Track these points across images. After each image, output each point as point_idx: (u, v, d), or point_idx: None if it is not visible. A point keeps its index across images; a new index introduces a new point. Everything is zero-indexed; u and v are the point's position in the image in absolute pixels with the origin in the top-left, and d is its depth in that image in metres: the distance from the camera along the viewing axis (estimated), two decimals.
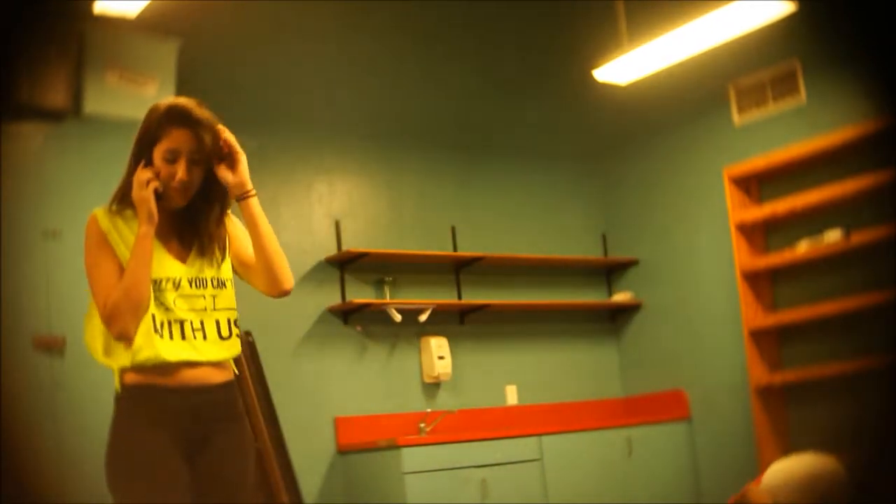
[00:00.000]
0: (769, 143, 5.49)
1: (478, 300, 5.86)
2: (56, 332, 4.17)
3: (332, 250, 5.45)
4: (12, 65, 4.15)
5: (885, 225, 4.88)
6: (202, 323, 2.42)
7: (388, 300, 5.47)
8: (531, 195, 6.35)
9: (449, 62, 6.16)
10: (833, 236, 5.15)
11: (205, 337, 2.41)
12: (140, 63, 4.54)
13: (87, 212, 4.32)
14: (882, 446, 4.67)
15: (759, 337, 5.48)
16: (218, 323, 2.46)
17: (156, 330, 2.34)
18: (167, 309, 2.37)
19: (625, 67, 5.09)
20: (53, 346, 4.15)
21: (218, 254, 2.49)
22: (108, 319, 2.28)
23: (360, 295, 5.47)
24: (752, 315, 5.49)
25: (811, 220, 5.32)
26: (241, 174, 2.49)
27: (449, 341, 5.71)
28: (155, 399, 2.35)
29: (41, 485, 3.98)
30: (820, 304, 5.20)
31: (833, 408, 5.23)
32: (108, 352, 2.38)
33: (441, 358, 5.62)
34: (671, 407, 6.01)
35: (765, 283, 5.57)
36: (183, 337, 2.38)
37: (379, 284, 5.54)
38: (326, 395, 5.30)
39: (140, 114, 4.27)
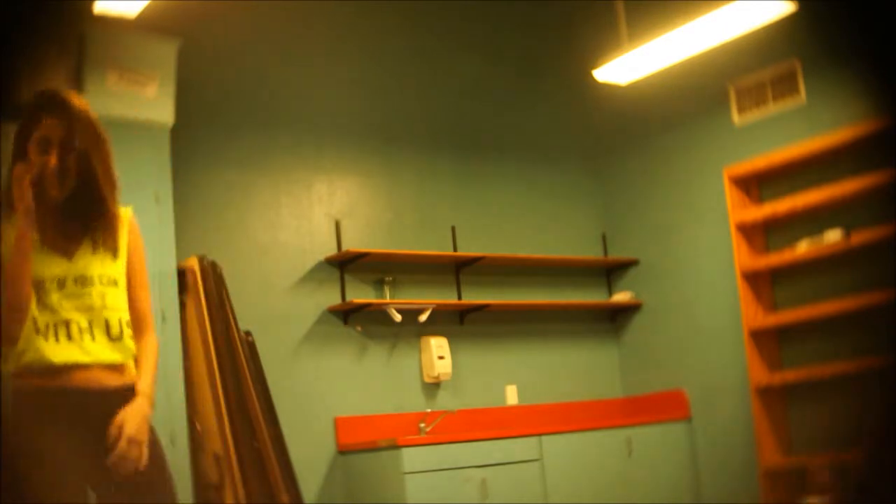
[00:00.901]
0: (769, 143, 5.49)
1: (478, 300, 5.86)
2: None
3: (332, 250, 5.45)
4: (12, 65, 4.15)
5: (885, 225, 4.88)
6: (90, 323, 2.32)
7: (388, 300, 5.47)
8: (531, 195, 6.35)
9: (449, 62, 6.16)
10: (833, 236, 5.15)
11: (93, 337, 2.31)
12: (140, 63, 4.54)
13: None
14: (882, 446, 4.67)
15: (759, 337, 5.48)
16: (107, 322, 2.35)
17: (38, 332, 2.24)
18: (52, 310, 2.27)
19: (625, 67, 5.09)
20: None
21: (104, 249, 2.38)
22: None
23: (360, 295, 5.47)
24: (752, 315, 5.49)
25: (811, 220, 5.32)
26: None
27: (449, 341, 5.71)
28: (45, 403, 2.24)
29: None
30: (820, 304, 5.20)
31: (833, 408, 5.23)
32: None
33: (441, 358, 5.62)
34: (671, 407, 6.01)
35: (765, 283, 5.57)
36: (69, 338, 2.28)
37: (379, 284, 5.54)
38: (326, 395, 5.30)
39: (140, 114, 4.27)
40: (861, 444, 4.90)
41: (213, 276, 4.71)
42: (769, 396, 5.44)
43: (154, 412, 4.47)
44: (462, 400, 5.76)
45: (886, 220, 4.88)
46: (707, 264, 5.90)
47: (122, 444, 2.26)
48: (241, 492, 4.42)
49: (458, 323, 5.88)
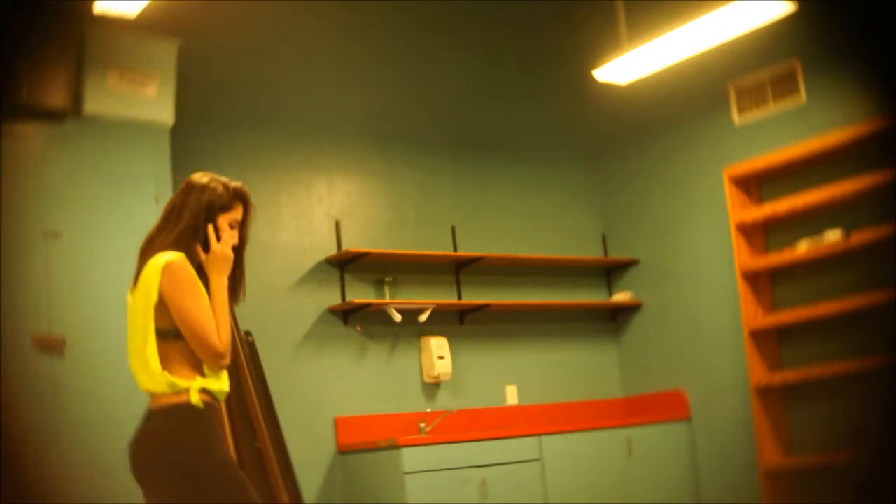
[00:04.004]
0: (769, 143, 5.49)
1: (478, 300, 5.86)
2: (56, 332, 4.16)
3: (332, 250, 5.45)
4: (12, 65, 4.15)
5: (885, 225, 4.88)
6: None
7: (388, 300, 5.47)
8: (531, 195, 6.35)
9: (449, 62, 6.16)
10: (833, 236, 5.15)
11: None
12: (140, 63, 4.54)
13: (87, 212, 4.36)
14: (882, 446, 4.68)
15: (759, 337, 5.48)
16: None
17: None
18: None
19: (625, 67, 5.09)
20: (53, 346, 4.15)
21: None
22: (225, 353, 2.74)
23: (360, 295, 5.47)
24: (752, 315, 5.49)
25: (811, 220, 5.32)
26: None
27: (449, 341, 5.71)
28: (214, 417, 2.77)
29: (41, 485, 3.98)
30: (820, 304, 5.20)
31: (833, 408, 5.23)
32: (170, 371, 2.73)
33: (441, 358, 5.62)
34: (671, 407, 6.01)
35: (765, 283, 5.57)
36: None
37: (379, 284, 5.54)
38: (326, 395, 5.30)
39: (140, 114, 4.27)
40: (861, 444, 4.90)
41: None
42: (769, 396, 5.44)
43: None
44: (462, 400, 5.76)
45: (886, 220, 4.88)
46: (707, 264, 5.90)
47: None
48: None
49: (458, 323, 5.88)
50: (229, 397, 4.55)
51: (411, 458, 4.83)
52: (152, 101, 4.56)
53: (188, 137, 4.88)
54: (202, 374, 2.75)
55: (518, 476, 5.18)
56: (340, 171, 5.63)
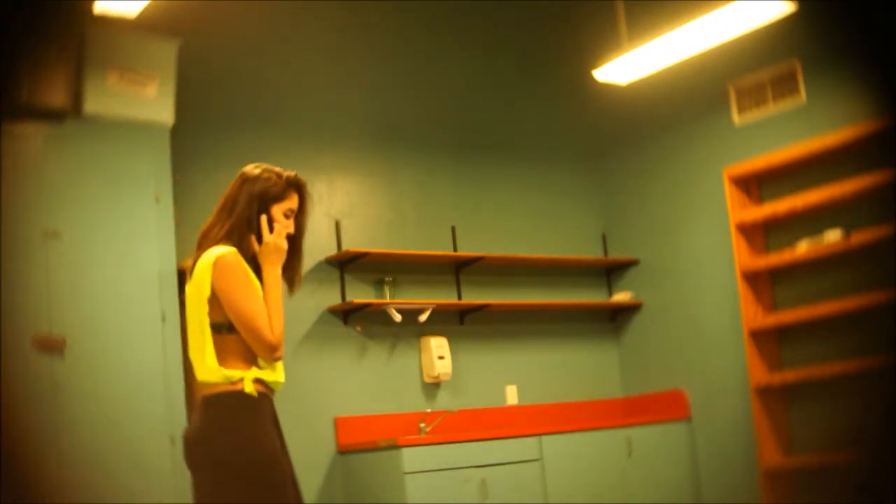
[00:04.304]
0: (769, 143, 5.49)
1: (478, 300, 5.86)
2: (56, 332, 4.16)
3: (332, 250, 5.45)
4: (12, 65, 4.15)
5: (885, 225, 4.88)
6: None
7: (388, 300, 5.47)
8: (531, 195, 6.35)
9: (449, 62, 6.16)
10: (833, 236, 5.15)
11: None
12: (140, 63, 4.54)
13: (87, 212, 4.36)
14: (882, 446, 4.68)
15: (759, 337, 5.48)
16: None
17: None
18: None
19: (625, 67, 5.09)
20: (53, 346, 4.15)
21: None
22: (278, 345, 2.75)
23: (360, 295, 5.47)
24: (752, 315, 5.49)
25: (811, 220, 5.32)
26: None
27: (449, 341, 5.71)
28: (267, 407, 2.80)
29: (41, 485, 3.98)
30: (820, 304, 5.20)
31: (833, 408, 5.23)
32: (226, 365, 2.75)
33: (441, 358, 5.62)
34: (671, 407, 6.01)
35: (765, 283, 5.57)
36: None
37: (379, 284, 5.54)
38: (326, 396, 5.30)
39: (140, 114, 4.27)
40: (861, 444, 4.90)
41: None
42: (769, 396, 5.44)
43: (155, 412, 4.48)
44: (462, 400, 5.76)
45: (886, 220, 4.88)
46: (707, 264, 5.90)
47: None
48: None
49: (458, 323, 5.88)
50: None
51: (411, 458, 4.83)
52: (152, 101, 4.56)
53: (188, 137, 4.88)
54: (258, 366, 2.76)
55: (518, 476, 5.18)
56: (340, 171, 5.63)
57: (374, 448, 4.99)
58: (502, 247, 6.03)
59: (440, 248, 5.85)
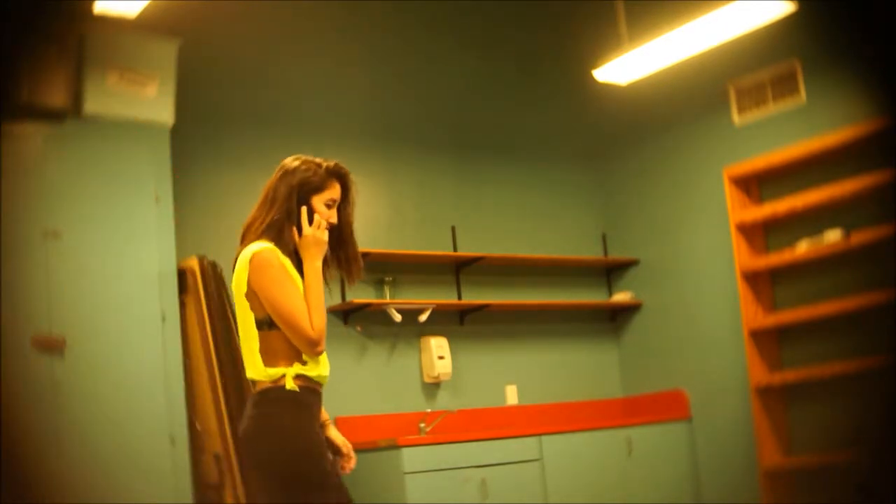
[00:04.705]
0: (769, 143, 5.49)
1: (478, 300, 5.86)
2: (56, 332, 4.17)
3: None
4: (12, 65, 4.15)
5: (885, 225, 4.88)
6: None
7: (388, 300, 5.47)
8: (531, 195, 6.35)
9: (449, 62, 6.16)
10: (833, 236, 5.15)
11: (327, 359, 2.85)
12: (140, 63, 4.54)
13: (88, 212, 4.36)
14: (882, 446, 4.68)
15: (759, 337, 5.48)
16: None
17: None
18: None
19: (625, 67, 5.09)
20: (53, 346, 4.15)
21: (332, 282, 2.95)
22: (318, 340, 2.71)
23: (360, 295, 5.47)
24: (752, 315, 5.48)
25: (811, 220, 5.32)
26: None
27: (449, 341, 5.71)
28: (313, 402, 2.78)
29: (41, 485, 3.98)
30: (820, 304, 5.20)
31: (833, 408, 5.23)
32: (271, 361, 2.73)
33: (441, 358, 5.62)
34: (671, 407, 6.01)
35: (765, 283, 5.57)
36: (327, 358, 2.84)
37: (379, 284, 5.54)
38: (326, 395, 5.26)
39: (140, 114, 4.27)
40: (861, 444, 4.90)
41: (213, 277, 4.71)
42: (769, 396, 5.44)
43: (155, 412, 4.47)
44: (462, 400, 5.76)
45: (886, 220, 4.88)
46: (707, 264, 5.90)
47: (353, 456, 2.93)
48: (241, 492, 4.42)
49: (458, 323, 5.88)
50: (229, 397, 4.56)
51: (411, 458, 4.83)
52: (152, 101, 4.56)
53: (188, 137, 4.88)
54: (301, 362, 2.73)
55: (518, 476, 5.18)
56: None
57: (374, 448, 4.99)
58: (502, 247, 6.03)
59: (440, 248, 5.85)
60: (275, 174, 2.87)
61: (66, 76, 4.29)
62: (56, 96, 4.26)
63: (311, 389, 2.76)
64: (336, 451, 2.90)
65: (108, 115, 4.45)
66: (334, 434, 2.92)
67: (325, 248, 2.81)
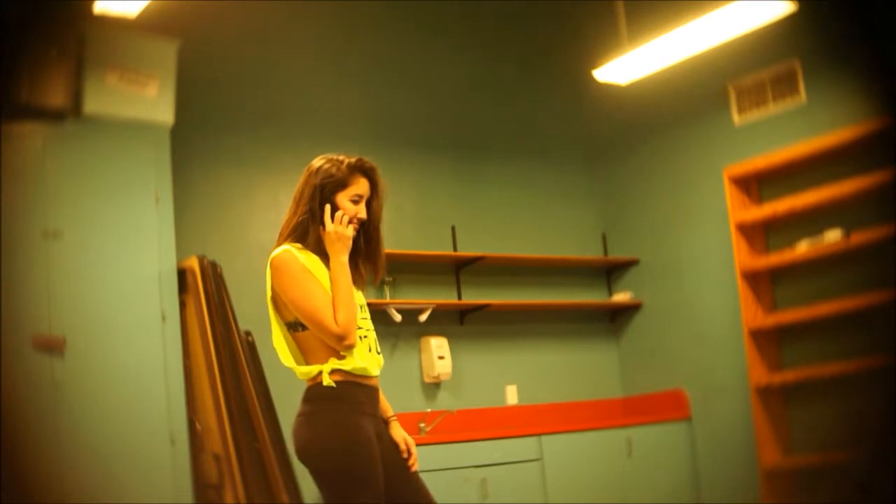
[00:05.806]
0: (769, 143, 5.49)
1: (478, 300, 5.86)
2: (56, 332, 4.17)
3: None
4: (12, 65, 4.15)
5: (885, 225, 4.88)
6: (371, 339, 2.88)
7: (388, 300, 5.47)
8: (531, 195, 6.35)
9: (449, 62, 6.16)
10: (833, 236, 5.15)
11: (369, 351, 2.85)
12: (140, 63, 4.54)
13: (88, 212, 4.36)
14: (882, 446, 4.68)
15: (759, 337, 5.48)
16: (375, 342, 2.91)
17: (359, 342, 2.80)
18: (358, 326, 2.79)
19: (625, 67, 5.09)
20: (53, 346, 4.15)
21: (361, 282, 2.92)
22: (344, 335, 2.70)
23: None
24: (752, 315, 5.48)
25: (811, 220, 5.31)
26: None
27: (449, 341, 5.71)
28: (357, 394, 2.76)
29: (41, 485, 3.98)
30: (820, 304, 5.20)
31: (833, 408, 5.23)
32: (309, 360, 2.78)
33: (441, 358, 5.62)
34: (671, 407, 6.01)
35: (765, 283, 5.57)
36: (368, 350, 2.83)
37: (379, 284, 5.54)
38: None
39: (140, 114, 4.26)
40: (861, 444, 4.90)
41: (213, 276, 4.71)
42: (769, 396, 5.44)
43: (155, 412, 4.47)
44: (462, 400, 5.76)
45: (886, 220, 4.88)
46: (707, 264, 5.90)
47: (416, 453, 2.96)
48: (241, 492, 4.42)
49: (458, 323, 5.88)
50: (229, 396, 4.56)
51: None
52: (152, 101, 4.56)
53: (188, 137, 4.88)
54: (338, 356, 2.74)
55: (518, 476, 5.18)
56: None
57: None
58: (502, 247, 6.03)
59: (440, 248, 5.85)
60: (303, 175, 2.92)
61: (66, 76, 4.29)
62: (56, 96, 4.26)
63: (352, 383, 2.75)
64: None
65: (108, 115, 4.45)
66: (395, 431, 2.92)
67: (349, 242, 2.79)
